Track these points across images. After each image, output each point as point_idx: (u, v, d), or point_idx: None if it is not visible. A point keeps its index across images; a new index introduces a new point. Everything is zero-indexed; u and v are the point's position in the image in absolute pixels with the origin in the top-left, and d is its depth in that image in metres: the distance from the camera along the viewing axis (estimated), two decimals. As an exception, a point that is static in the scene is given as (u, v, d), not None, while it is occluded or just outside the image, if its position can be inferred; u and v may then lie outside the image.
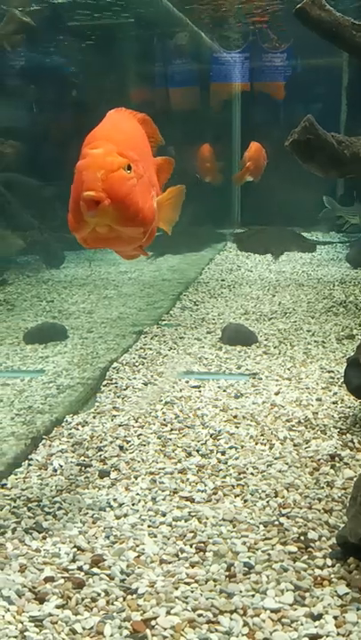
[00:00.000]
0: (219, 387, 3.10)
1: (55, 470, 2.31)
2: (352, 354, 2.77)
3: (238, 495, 2.13)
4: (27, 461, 2.37)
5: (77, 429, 2.63)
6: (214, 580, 1.71)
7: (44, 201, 6.14)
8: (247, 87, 8.92)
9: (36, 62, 7.48)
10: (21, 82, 7.18)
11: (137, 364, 3.41)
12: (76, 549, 1.84)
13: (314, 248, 6.95)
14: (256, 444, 2.49)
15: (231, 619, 1.58)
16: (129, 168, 1.84)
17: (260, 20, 8.16)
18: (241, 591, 1.67)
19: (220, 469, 2.31)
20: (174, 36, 8.57)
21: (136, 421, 2.70)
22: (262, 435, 2.56)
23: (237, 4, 7.46)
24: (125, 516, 2.03)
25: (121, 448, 2.47)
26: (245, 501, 2.09)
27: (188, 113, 8.61)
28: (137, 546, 1.86)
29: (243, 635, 1.54)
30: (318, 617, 1.58)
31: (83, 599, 1.65)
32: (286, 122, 8.48)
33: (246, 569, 1.75)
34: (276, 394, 2.98)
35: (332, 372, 3.24)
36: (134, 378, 3.20)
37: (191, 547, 1.86)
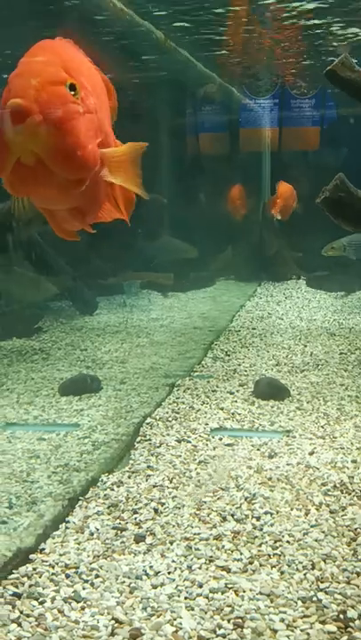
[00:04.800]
0: (252, 445, 3.10)
1: (92, 534, 2.33)
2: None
3: (275, 566, 2.12)
4: (64, 524, 2.40)
5: (113, 490, 2.65)
6: (253, 661, 1.70)
7: (77, 248, 6.31)
8: (276, 133, 9.10)
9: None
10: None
11: (170, 419, 3.44)
12: (114, 622, 1.85)
13: None
14: (291, 509, 2.48)
15: None
16: (73, 89, 1.50)
17: (289, 74, 8.38)
18: (280, 673, 1.65)
19: (256, 536, 2.31)
20: (204, 86, 8.84)
21: (170, 482, 2.72)
22: (297, 499, 2.55)
23: (267, 61, 7.68)
24: (162, 585, 2.03)
25: (156, 511, 2.48)
26: (282, 573, 2.08)
27: (217, 158, 8.81)
28: (174, 619, 1.87)
29: None
30: None
31: None
32: (315, 167, 8.57)
33: (285, 649, 1.73)
34: (311, 454, 2.97)
35: (367, 430, 3.22)
36: (168, 434, 3.23)
37: (229, 622, 1.85)
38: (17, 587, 2.01)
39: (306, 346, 4.92)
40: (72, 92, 1.49)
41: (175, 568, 2.12)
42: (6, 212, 4.13)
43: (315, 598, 1.93)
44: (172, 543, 2.27)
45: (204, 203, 8.33)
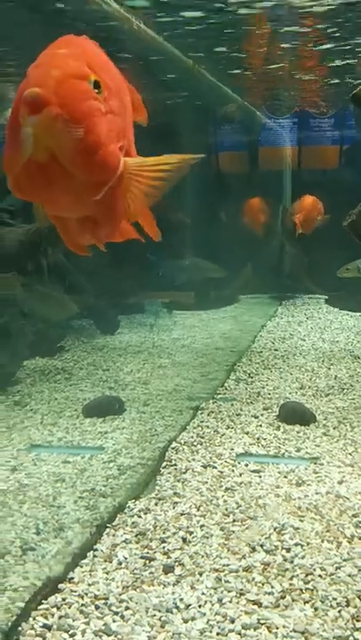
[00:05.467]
0: (279, 472, 3.06)
1: (120, 563, 2.31)
2: None
3: (308, 601, 2.08)
4: (92, 552, 2.38)
5: (140, 517, 2.63)
6: None
7: (98, 266, 6.33)
8: (295, 151, 9.13)
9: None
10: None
11: (195, 443, 3.41)
12: (146, 658, 1.82)
13: None
14: (322, 541, 2.44)
15: None
16: (97, 87, 1.39)
17: (310, 95, 8.44)
18: None
19: (287, 569, 2.27)
20: (225, 106, 8.91)
21: (198, 510, 2.69)
22: (328, 531, 2.50)
23: (290, 87, 7.74)
24: (193, 619, 2.00)
25: (184, 540, 2.45)
26: (316, 609, 2.03)
27: (237, 176, 8.85)
28: (207, 656, 1.83)
29: None
30: None
31: None
32: (334, 186, 8.57)
33: None
34: (340, 483, 2.92)
35: (396, 459, 3.17)
36: (193, 459, 3.20)
37: (263, 661, 1.82)
38: (47, 618, 1.99)
39: (330, 368, 4.87)
40: (95, 90, 1.38)
41: (205, 601, 2.09)
42: (34, 233, 4.17)
43: (351, 638, 1.88)
44: (201, 574, 2.24)
45: (225, 221, 8.34)
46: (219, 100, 8.26)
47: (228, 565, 2.29)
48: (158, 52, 5.18)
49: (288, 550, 2.38)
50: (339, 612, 2.01)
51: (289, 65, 6.57)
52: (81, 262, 6.08)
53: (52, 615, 2.01)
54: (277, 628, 1.94)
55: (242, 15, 4.68)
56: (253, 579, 2.21)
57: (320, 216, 7.30)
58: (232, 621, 1.98)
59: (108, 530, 2.53)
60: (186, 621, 1.99)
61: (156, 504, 2.74)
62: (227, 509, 2.68)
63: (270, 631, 1.94)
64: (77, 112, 1.31)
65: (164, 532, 2.50)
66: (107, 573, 2.24)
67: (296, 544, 2.41)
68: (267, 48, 6.08)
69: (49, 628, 1.94)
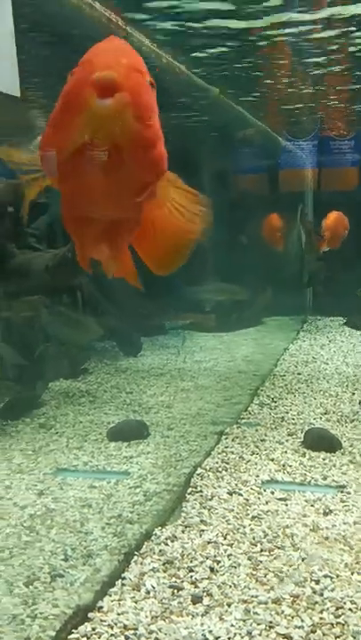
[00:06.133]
0: (306, 500, 3.04)
1: (148, 592, 2.31)
2: None
3: (339, 636, 2.05)
4: (120, 580, 2.38)
5: (167, 545, 2.63)
6: None
7: (121, 288, 6.39)
8: (315, 173, 9.18)
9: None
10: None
11: (220, 469, 3.41)
12: None
13: None
14: (352, 573, 2.41)
15: None
16: (152, 86, 1.37)
17: (331, 118, 8.50)
18: None
19: (316, 602, 2.25)
20: (244, 130, 9.01)
21: (225, 538, 2.68)
22: (357, 562, 2.48)
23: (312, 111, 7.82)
24: (223, 652, 1.99)
25: (212, 570, 2.45)
26: (347, 645, 2.01)
27: (257, 199, 8.91)
28: None
29: None
30: None
31: None
32: (354, 207, 8.58)
33: None
34: (368, 513, 2.90)
35: None
36: (219, 486, 3.19)
37: None
38: (77, 647, 2.00)
39: (354, 393, 4.84)
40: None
41: (235, 634, 2.08)
42: (61, 258, 4.23)
43: (384, 675, 1.86)
44: (229, 605, 2.23)
45: (246, 244, 8.39)
46: (238, 124, 8.36)
47: (256, 597, 2.28)
48: (186, 84, 5.28)
49: (317, 582, 2.35)
50: (371, 648, 1.99)
51: (311, 90, 6.64)
52: (105, 286, 6.17)
53: (82, 645, 2.01)
54: (309, 664, 1.92)
55: (262, 43, 4.77)
56: (283, 611, 2.19)
57: (346, 230, 7.33)
58: (263, 655, 1.97)
59: (135, 557, 2.53)
60: (216, 654, 1.98)
61: (182, 531, 2.74)
62: (254, 538, 2.67)
63: (302, 666, 1.92)
64: (144, 104, 1.27)
65: (191, 561, 2.50)
66: (135, 602, 2.24)
67: (325, 576, 2.39)
68: (288, 73, 6.16)
69: (79, 657, 1.95)
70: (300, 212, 8.16)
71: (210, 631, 2.08)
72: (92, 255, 1.73)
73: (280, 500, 3.05)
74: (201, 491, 3.15)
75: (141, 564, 2.49)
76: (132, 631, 2.08)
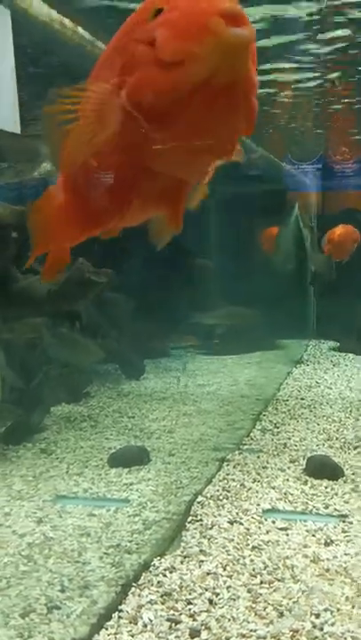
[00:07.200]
0: (307, 530, 3.00)
1: (145, 625, 2.27)
2: None
3: (339, 674, 2.01)
4: (117, 612, 2.35)
5: (165, 576, 2.59)
6: None
7: (126, 313, 6.39)
8: (319, 197, 9.24)
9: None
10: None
11: (221, 497, 3.37)
12: None
13: None
14: (353, 607, 2.37)
15: None
16: None
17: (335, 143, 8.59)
18: None
19: (316, 636, 2.20)
20: (247, 154, 9.09)
21: (224, 569, 2.64)
22: (359, 596, 2.43)
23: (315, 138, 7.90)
24: None
25: (210, 602, 2.41)
26: None
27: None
28: None
29: None
30: None
31: None
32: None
33: None
34: (370, 543, 2.85)
35: None
36: (219, 515, 3.16)
37: None
38: None
39: (358, 419, 4.80)
40: None
41: (233, 670, 2.04)
42: (64, 282, 4.26)
43: None
44: (228, 639, 2.19)
45: (252, 266, 8.41)
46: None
47: (255, 630, 2.24)
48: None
49: (318, 616, 2.31)
50: None
51: (313, 118, 6.72)
52: (108, 309, 6.18)
53: None
54: None
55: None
56: (282, 646, 2.15)
57: (355, 243, 7.33)
58: None
59: (133, 589, 2.50)
60: None
61: (181, 562, 2.71)
62: (254, 570, 2.63)
63: None
64: (254, 47, 1.17)
65: (190, 593, 2.46)
66: (132, 637, 2.21)
67: (325, 609, 2.35)
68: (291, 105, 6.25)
69: None
70: (298, 209, 8.15)
71: (207, 667, 2.05)
72: (149, 211, 1.59)
73: (281, 529, 3.01)
74: (201, 519, 3.11)
75: (139, 595, 2.46)
76: (127, 667, 2.05)
